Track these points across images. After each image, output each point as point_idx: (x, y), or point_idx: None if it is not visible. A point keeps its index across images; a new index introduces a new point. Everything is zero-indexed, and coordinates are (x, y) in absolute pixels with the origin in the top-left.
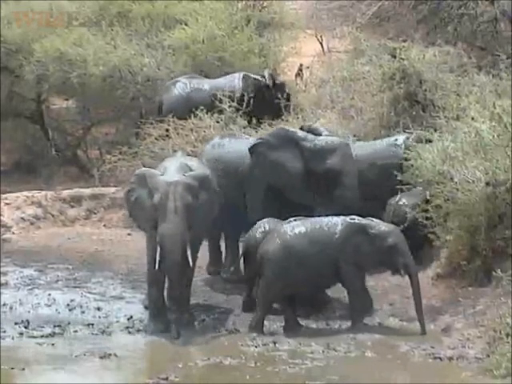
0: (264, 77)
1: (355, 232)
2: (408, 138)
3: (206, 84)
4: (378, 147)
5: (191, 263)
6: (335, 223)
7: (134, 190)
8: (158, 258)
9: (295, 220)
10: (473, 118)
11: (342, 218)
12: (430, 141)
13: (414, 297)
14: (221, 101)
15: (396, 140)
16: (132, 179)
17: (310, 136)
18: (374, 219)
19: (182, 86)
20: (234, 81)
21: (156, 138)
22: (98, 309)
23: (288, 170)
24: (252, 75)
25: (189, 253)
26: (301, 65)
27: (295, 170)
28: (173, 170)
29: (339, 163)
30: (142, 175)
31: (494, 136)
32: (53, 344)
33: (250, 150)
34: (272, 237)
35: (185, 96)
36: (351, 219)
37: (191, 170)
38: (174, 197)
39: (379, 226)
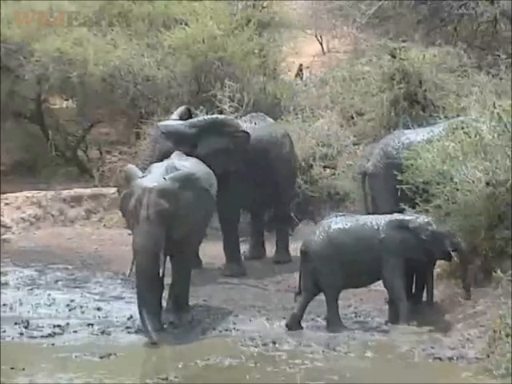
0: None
1: (398, 228)
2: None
3: None
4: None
5: (161, 272)
6: (378, 220)
7: (122, 187)
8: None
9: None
10: (474, 120)
11: (384, 215)
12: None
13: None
14: (220, 101)
15: (438, 126)
16: (122, 175)
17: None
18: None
19: None
20: None
21: None
22: (98, 309)
23: None
24: None
25: (161, 260)
26: (301, 65)
27: None
28: (155, 173)
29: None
30: (127, 172)
31: (493, 136)
32: (53, 344)
33: None
34: (317, 232)
35: None
36: (392, 217)
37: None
38: (148, 204)
39: (416, 219)
